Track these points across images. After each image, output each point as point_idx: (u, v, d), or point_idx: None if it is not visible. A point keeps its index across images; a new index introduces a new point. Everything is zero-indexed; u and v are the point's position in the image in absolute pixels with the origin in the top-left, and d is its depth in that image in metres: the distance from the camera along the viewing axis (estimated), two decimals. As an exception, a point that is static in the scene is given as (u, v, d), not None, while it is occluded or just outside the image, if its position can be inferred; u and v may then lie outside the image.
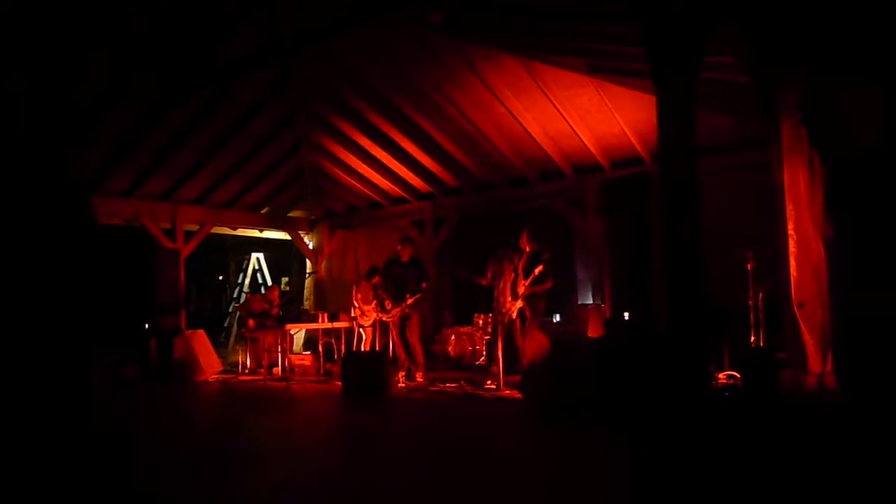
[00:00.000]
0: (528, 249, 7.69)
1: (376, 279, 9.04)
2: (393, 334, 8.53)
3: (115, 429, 6.03)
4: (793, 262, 5.27)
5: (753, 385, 5.55)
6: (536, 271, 7.38)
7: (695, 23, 3.29)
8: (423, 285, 8.25)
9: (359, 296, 9.49)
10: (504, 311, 7.69)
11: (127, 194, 10.10)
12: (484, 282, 8.01)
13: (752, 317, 6.57)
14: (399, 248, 8.47)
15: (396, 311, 8.34)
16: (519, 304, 7.63)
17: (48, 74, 6.74)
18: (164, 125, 8.80)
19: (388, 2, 6.63)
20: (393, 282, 8.38)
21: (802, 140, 5.22)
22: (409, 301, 8.18)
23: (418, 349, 8.39)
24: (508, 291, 7.68)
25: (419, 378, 8.23)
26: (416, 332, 8.37)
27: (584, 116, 8.44)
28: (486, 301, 8.73)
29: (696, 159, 3.18)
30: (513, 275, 7.67)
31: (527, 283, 7.52)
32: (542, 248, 7.68)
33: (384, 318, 8.59)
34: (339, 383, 7.99)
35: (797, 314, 5.21)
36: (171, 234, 10.77)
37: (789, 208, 5.32)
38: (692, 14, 3.29)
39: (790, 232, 5.30)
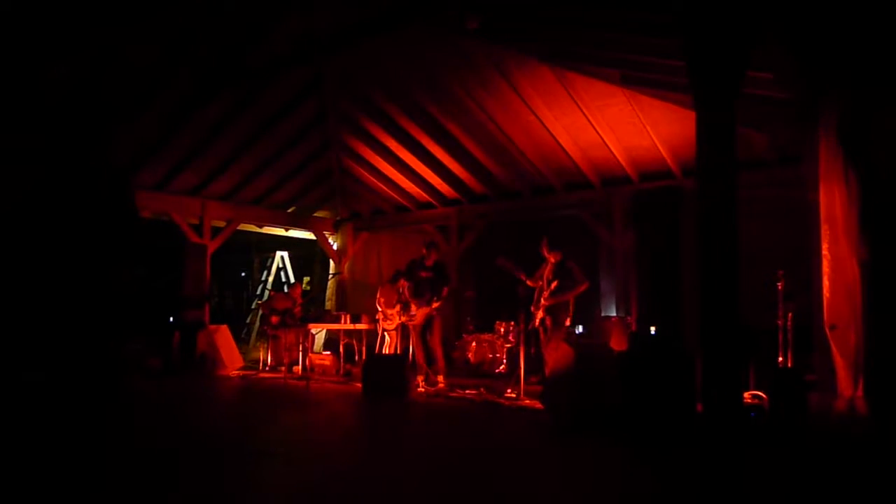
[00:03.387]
0: (552, 260, 7.66)
1: (400, 283, 9.11)
2: (413, 337, 8.54)
3: (137, 420, 6.10)
4: (826, 283, 5.17)
5: (781, 406, 5.45)
6: (553, 285, 7.39)
7: (738, 38, 3.26)
8: (444, 290, 8.30)
9: (382, 299, 9.52)
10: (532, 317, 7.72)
11: (158, 188, 10.23)
12: (530, 282, 7.92)
13: (780, 336, 6.46)
14: (424, 252, 8.51)
15: (421, 314, 8.36)
16: (541, 314, 7.61)
17: (89, 67, 6.87)
18: (196, 121, 8.92)
19: (424, 6, 6.65)
20: (416, 285, 8.41)
21: (840, 158, 5.12)
22: (435, 305, 8.24)
23: (439, 353, 8.40)
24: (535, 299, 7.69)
25: (440, 381, 8.24)
26: (437, 336, 8.39)
27: (615, 128, 8.39)
28: (510, 308, 8.74)
29: (736, 175, 3.14)
30: (540, 283, 7.67)
31: (546, 294, 7.51)
32: (566, 257, 7.64)
33: (406, 321, 8.61)
34: (359, 385, 8.00)
35: (829, 336, 5.11)
36: (198, 229, 10.90)
37: (824, 228, 5.22)
38: (736, 29, 3.25)
39: (824, 252, 5.19)
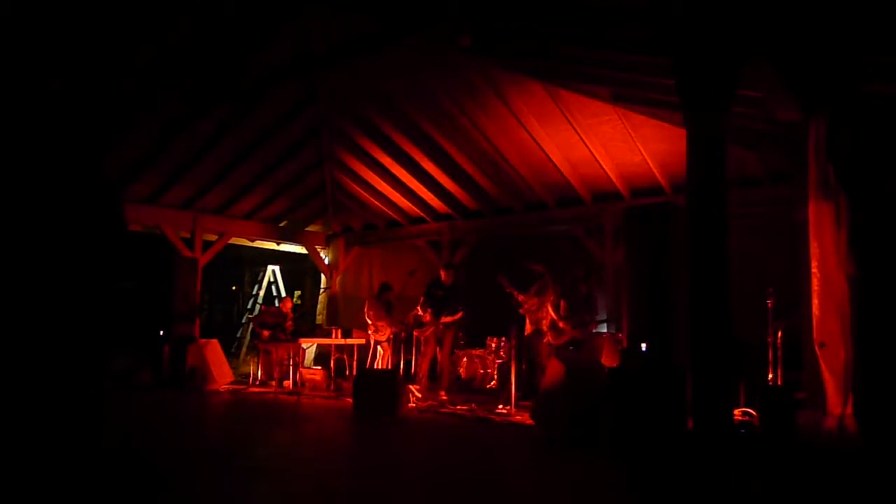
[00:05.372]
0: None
1: (388, 295, 9.38)
2: (424, 349, 8.83)
3: (125, 436, 6.03)
4: (815, 301, 5.21)
5: (771, 424, 5.46)
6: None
7: (727, 58, 3.30)
8: (459, 310, 8.71)
9: (371, 312, 9.54)
10: (550, 333, 7.90)
11: (149, 201, 10.20)
12: (522, 299, 8.26)
13: (770, 353, 6.48)
14: (443, 275, 8.90)
15: (430, 329, 8.68)
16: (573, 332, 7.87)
17: (82, 78, 6.87)
18: (189, 134, 8.91)
19: (417, 23, 6.70)
20: (433, 302, 8.74)
21: (829, 177, 5.18)
22: (444, 320, 8.61)
23: (446, 367, 8.73)
24: (553, 317, 7.86)
25: (443, 395, 8.42)
26: (447, 350, 8.80)
27: (607, 144, 8.45)
28: (502, 323, 8.82)
29: (726, 193, 3.17)
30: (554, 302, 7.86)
31: (564, 316, 7.73)
32: (578, 280, 7.85)
33: (416, 334, 8.91)
34: (350, 400, 7.95)
35: (818, 354, 5.14)
36: (189, 242, 10.86)
37: (813, 246, 5.27)
38: (725, 49, 3.29)
39: (814, 270, 5.24)
